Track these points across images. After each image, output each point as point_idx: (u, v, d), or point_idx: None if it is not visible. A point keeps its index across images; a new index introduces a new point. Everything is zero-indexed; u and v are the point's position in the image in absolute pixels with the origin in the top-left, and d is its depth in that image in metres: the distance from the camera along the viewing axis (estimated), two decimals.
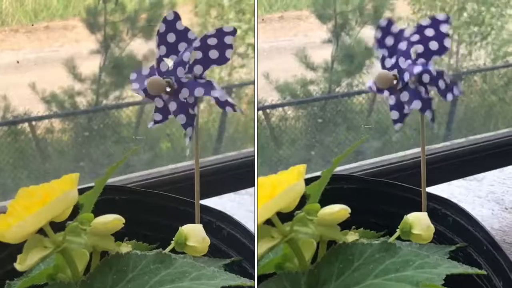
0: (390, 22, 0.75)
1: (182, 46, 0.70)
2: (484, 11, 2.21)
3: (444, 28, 0.73)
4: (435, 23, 0.73)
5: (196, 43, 0.69)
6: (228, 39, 0.69)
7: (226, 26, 0.69)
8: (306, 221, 0.71)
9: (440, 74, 0.73)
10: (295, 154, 1.91)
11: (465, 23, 2.20)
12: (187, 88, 0.70)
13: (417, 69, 0.73)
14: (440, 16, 0.73)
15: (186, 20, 0.71)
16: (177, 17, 0.70)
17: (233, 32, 0.69)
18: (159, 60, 0.71)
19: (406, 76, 0.73)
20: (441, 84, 0.73)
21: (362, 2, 2.02)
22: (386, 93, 0.75)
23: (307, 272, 0.69)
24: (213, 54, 0.69)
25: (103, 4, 1.75)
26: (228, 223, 0.77)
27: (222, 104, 0.70)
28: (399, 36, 0.74)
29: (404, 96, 0.74)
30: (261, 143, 1.91)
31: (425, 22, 0.74)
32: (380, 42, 0.75)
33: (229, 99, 0.70)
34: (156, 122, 0.72)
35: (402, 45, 0.74)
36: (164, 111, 0.72)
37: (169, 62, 0.71)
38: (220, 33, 0.69)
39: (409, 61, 0.73)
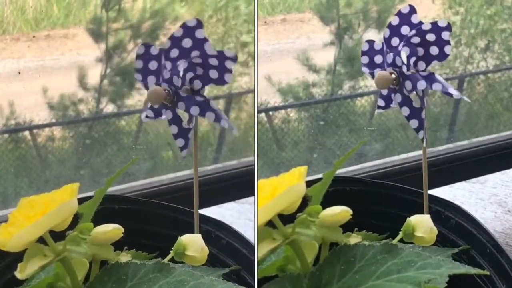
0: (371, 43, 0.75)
1: (195, 54, 0.70)
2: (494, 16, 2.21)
3: (445, 35, 0.73)
4: (436, 29, 0.73)
5: (197, 60, 0.70)
6: (228, 64, 0.69)
7: (227, 51, 0.69)
8: (308, 223, 0.71)
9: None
10: (297, 156, 1.91)
11: (470, 23, 2.20)
12: (183, 103, 0.70)
13: (421, 85, 0.73)
14: (441, 22, 0.73)
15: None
16: (199, 25, 0.70)
17: (234, 58, 0.69)
18: (165, 66, 0.71)
19: (408, 85, 0.73)
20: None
21: (365, 5, 2.02)
22: (393, 104, 0.75)
23: (309, 274, 0.69)
24: (213, 74, 0.70)
25: (106, 12, 1.75)
26: (227, 232, 0.77)
27: (217, 119, 0.71)
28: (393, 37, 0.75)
29: (408, 85, 0.73)
30: (263, 146, 1.91)
31: (426, 26, 0.73)
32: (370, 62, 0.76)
33: (225, 118, 0.70)
34: (148, 117, 0.73)
35: (397, 43, 0.74)
36: (158, 112, 0.72)
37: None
38: (221, 56, 0.69)
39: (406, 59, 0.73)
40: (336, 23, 1.99)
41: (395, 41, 0.74)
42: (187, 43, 0.70)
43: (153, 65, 0.71)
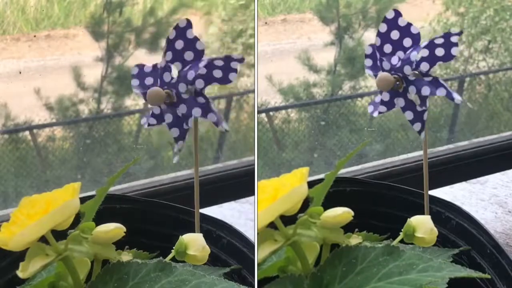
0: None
1: (188, 55, 0.71)
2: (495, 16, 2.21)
3: (454, 38, 0.73)
4: (447, 36, 0.73)
5: (202, 64, 0.70)
6: (234, 64, 0.70)
7: (235, 54, 0.70)
8: (309, 224, 0.71)
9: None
10: (297, 157, 1.91)
11: (472, 22, 2.20)
12: (185, 105, 0.70)
13: (426, 91, 0.73)
14: (453, 30, 0.73)
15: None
16: (188, 25, 0.70)
17: (241, 60, 0.70)
18: (164, 69, 0.71)
19: (412, 90, 0.73)
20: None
21: (365, 5, 2.02)
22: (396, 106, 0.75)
23: (310, 275, 0.69)
24: (217, 73, 0.70)
25: (107, 14, 1.75)
26: (228, 232, 0.77)
27: (218, 121, 0.71)
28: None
29: (412, 89, 0.74)
30: (264, 146, 1.91)
31: (438, 40, 0.73)
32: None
33: (224, 124, 0.71)
34: (150, 125, 0.73)
35: (390, 50, 0.74)
36: (160, 118, 0.72)
37: (174, 71, 0.71)
38: (228, 59, 0.70)
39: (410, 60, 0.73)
40: (336, 23, 2.00)
41: (387, 48, 0.74)
42: (179, 44, 0.70)
43: (149, 80, 0.72)
